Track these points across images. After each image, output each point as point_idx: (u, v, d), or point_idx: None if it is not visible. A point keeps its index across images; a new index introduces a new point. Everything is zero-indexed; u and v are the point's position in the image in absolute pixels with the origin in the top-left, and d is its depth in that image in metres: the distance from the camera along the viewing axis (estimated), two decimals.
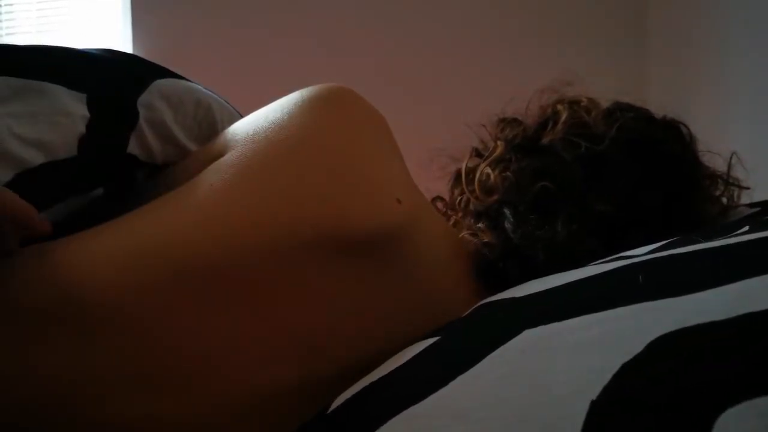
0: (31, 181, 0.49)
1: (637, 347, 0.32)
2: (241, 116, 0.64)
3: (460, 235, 0.61)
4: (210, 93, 0.65)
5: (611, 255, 0.50)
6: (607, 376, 0.31)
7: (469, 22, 1.97)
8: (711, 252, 0.40)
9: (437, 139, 0.73)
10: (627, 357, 0.32)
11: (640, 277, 0.39)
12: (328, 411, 0.45)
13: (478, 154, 0.72)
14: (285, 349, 0.48)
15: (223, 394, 0.46)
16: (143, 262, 0.46)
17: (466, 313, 0.49)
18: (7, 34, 2.56)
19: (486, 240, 0.60)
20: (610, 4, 1.97)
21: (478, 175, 0.67)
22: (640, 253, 0.46)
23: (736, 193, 0.71)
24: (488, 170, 0.66)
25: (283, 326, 0.48)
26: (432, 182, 0.74)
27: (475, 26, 1.96)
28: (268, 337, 0.47)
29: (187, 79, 0.63)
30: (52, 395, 0.43)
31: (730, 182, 0.70)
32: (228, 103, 0.68)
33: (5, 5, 2.57)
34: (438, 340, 0.45)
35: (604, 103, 0.71)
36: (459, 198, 0.70)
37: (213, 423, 0.46)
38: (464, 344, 0.43)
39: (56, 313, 0.44)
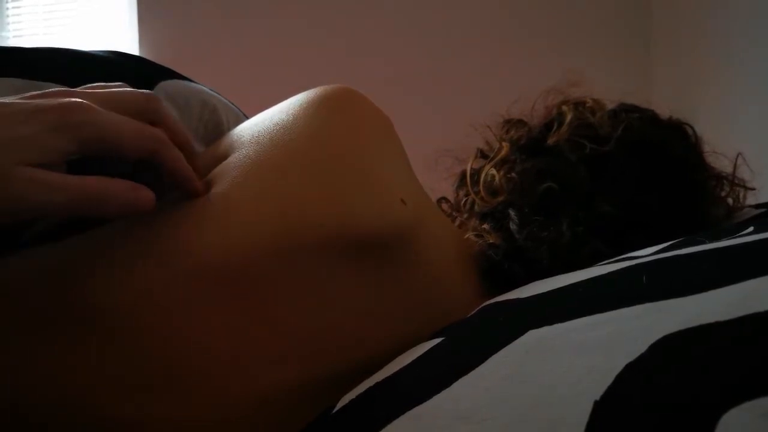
0: None
1: (641, 348, 0.32)
2: (247, 118, 0.64)
3: (465, 236, 0.61)
4: (215, 94, 0.66)
5: (616, 256, 0.50)
6: (611, 377, 0.31)
7: (474, 23, 1.97)
8: (715, 252, 0.40)
9: (443, 140, 0.73)
10: (630, 357, 0.32)
11: (644, 277, 0.39)
12: (333, 411, 0.45)
13: (483, 155, 0.73)
14: (289, 349, 0.48)
15: (227, 395, 0.46)
16: (145, 263, 0.46)
17: (471, 314, 0.49)
18: (14, 36, 2.58)
19: (491, 241, 0.60)
20: (616, 5, 1.97)
21: (482, 176, 0.67)
22: (645, 253, 0.46)
23: (741, 194, 0.71)
24: (493, 171, 0.66)
25: (287, 327, 0.48)
26: (437, 183, 0.74)
27: (480, 27, 1.96)
28: (273, 337, 0.47)
29: (193, 81, 0.64)
30: (50, 397, 0.43)
31: (735, 183, 0.71)
32: (233, 105, 0.68)
33: (12, 8, 2.59)
34: (442, 340, 0.45)
35: (610, 104, 0.71)
36: (464, 199, 0.70)
37: (217, 423, 0.46)
38: (468, 345, 0.43)
39: (58, 315, 0.44)
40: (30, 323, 0.44)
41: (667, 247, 0.46)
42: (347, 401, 0.45)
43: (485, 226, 0.62)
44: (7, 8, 2.57)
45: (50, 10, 2.57)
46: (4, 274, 0.45)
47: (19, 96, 0.42)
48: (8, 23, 2.57)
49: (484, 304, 0.50)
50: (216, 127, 0.64)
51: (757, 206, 0.70)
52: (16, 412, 0.43)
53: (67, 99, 0.41)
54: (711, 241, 0.43)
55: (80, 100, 0.42)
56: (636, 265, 0.43)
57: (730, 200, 0.71)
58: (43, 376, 0.43)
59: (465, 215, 0.68)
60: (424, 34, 1.97)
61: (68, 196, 0.40)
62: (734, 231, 0.47)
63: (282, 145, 0.51)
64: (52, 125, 0.40)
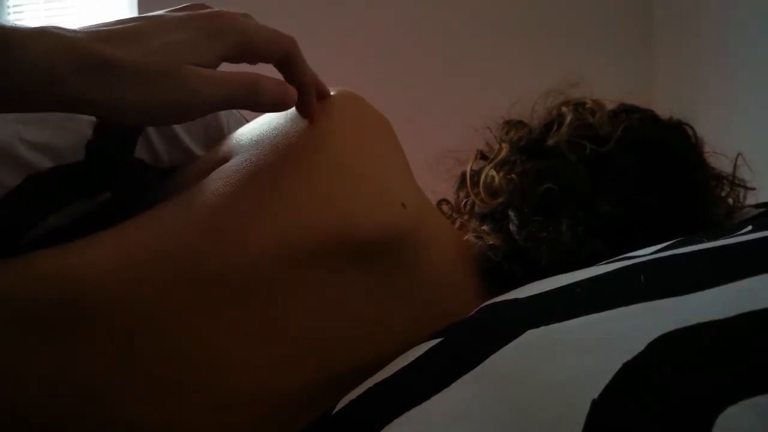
0: (40, 185, 0.50)
1: (638, 347, 0.32)
2: (247, 121, 0.64)
3: (465, 238, 0.61)
4: None
5: (616, 256, 0.50)
6: (608, 376, 0.31)
7: (474, 23, 1.97)
8: (712, 252, 0.41)
9: (443, 142, 0.73)
10: (628, 356, 0.32)
11: (642, 277, 0.39)
12: (333, 411, 0.45)
13: (482, 156, 0.73)
14: (290, 351, 0.48)
15: (226, 398, 0.46)
16: (146, 265, 0.46)
17: (470, 314, 0.49)
18: None
19: (491, 242, 0.60)
20: (617, 6, 1.97)
21: (482, 177, 0.67)
22: (644, 253, 0.46)
23: (741, 194, 0.71)
24: (493, 172, 0.66)
25: (287, 329, 0.48)
26: (438, 185, 0.74)
27: (481, 28, 1.96)
28: (273, 339, 0.47)
29: None
30: (51, 397, 0.43)
31: (735, 183, 0.70)
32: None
33: (14, 7, 2.59)
34: (441, 341, 0.46)
35: (609, 105, 0.71)
36: (464, 200, 0.70)
37: (217, 424, 0.46)
38: (467, 345, 0.43)
39: (58, 315, 0.44)
40: (30, 323, 0.44)
41: (665, 246, 0.46)
42: (347, 402, 0.45)
43: (485, 227, 0.62)
44: (9, 13, 2.57)
45: (51, 11, 2.58)
46: (4, 275, 0.46)
47: (165, 10, 0.46)
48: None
49: (483, 304, 0.50)
50: (217, 131, 0.64)
51: (757, 206, 0.70)
52: (16, 412, 0.43)
53: (215, 9, 0.46)
54: (709, 240, 0.43)
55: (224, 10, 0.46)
56: (633, 264, 0.43)
57: (730, 200, 0.71)
58: (44, 376, 0.44)
59: (465, 216, 0.68)
60: (423, 36, 1.97)
61: (231, 89, 0.45)
62: (733, 231, 0.47)
63: (281, 149, 0.52)
64: (207, 31, 0.44)
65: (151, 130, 0.57)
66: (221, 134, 0.64)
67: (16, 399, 0.43)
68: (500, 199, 0.63)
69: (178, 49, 0.43)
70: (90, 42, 0.40)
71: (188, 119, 0.47)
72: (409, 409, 0.38)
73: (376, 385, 0.44)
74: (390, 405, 0.40)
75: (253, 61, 0.48)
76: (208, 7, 0.47)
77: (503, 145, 0.69)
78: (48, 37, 0.38)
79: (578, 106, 0.70)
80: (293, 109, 0.56)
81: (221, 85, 0.44)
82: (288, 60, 0.49)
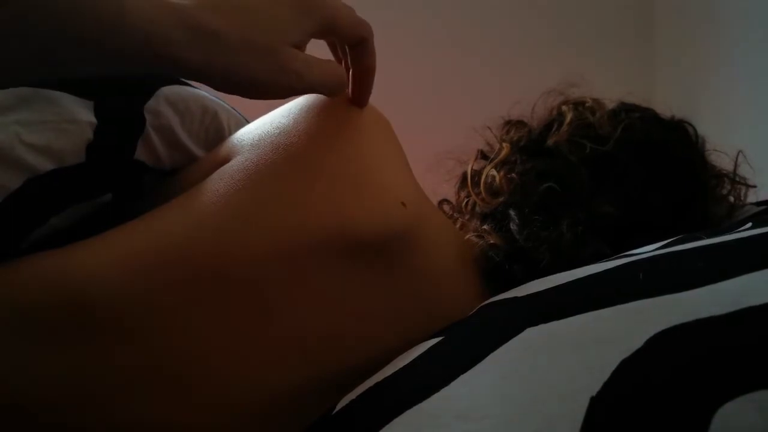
0: (41, 187, 0.50)
1: (637, 343, 0.32)
2: (248, 122, 0.64)
3: (466, 237, 0.61)
4: (217, 99, 0.66)
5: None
6: (607, 373, 0.31)
7: (474, 24, 1.97)
8: (710, 248, 0.41)
9: (444, 142, 0.73)
10: (627, 353, 0.32)
11: (641, 274, 0.39)
12: (334, 411, 0.45)
13: (483, 156, 0.73)
14: (291, 351, 0.48)
15: (229, 397, 0.46)
16: (148, 266, 0.46)
17: (470, 313, 0.50)
18: None
19: (492, 242, 0.60)
20: (617, 6, 1.97)
21: (483, 177, 0.67)
22: (644, 251, 0.46)
23: (743, 192, 0.71)
24: (494, 172, 0.66)
25: (289, 329, 0.48)
26: (439, 185, 0.74)
27: (481, 29, 1.96)
28: (275, 339, 0.48)
29: (194, 86, 0.64)
30: (53, 397, 0.44)
31: (736, 181, 0.70)
32: (235, 110, 0.68)
33: None
34: (441, 340, 0.46)
35: (609, 104, 0.71)
36: (465, 200, 0.70)
37: (219, 425, 0.46)
38: (467, 343, 0.43)
39: (61, 316, 0.45)
40: (34, 326, 0.44)
41: (665, 244, 0.46)
42: (348, 401, 0.45)
43: (486, 226, 0.62)
44: None
45: None
46: (7, 278, 0.46)
47: None
48: None
49: (483, 303, 0.50)
50: (217, 132, 0.64)
51: (758, 204, 0.70)
52: (23, 414, 0.43)
53: None
54: (709, 238, 0.43)
55: None
56: (632, 262, 0.43)
57: (731, 198, 0.71)
58: (49, 377, 0.44)
59: (466, 216, 0.68)
60: (424, 36, 1.96)
61: (328, 80, 0.48)
62: (733, 228, 0.47)
63: (282, 148, 0.52)
64: (300, 8, 0.45)
65: (151, 132, 0.57)
66: (222, 135, 0.64)
67: (23, 400, 0.43)
68: (501, 199, 0.63)
69: (280, 27, 0.44)
70: (197, 10, 0.41)
71: (278, 98, 0.48)
72: (409, 408, 0.38)
73: (376, 384, 0.44)
74: (390, 404, 0.40)
75: (334, 39, 0.50)
76: None
77: (504, 144, 0.69)
78: (157, 3, 0.40)
79: (578, 105, 0.70)
80: (294, 108, 0.56)
81: (321, 75, 0.47)
82: (363, 44, 0.51)
